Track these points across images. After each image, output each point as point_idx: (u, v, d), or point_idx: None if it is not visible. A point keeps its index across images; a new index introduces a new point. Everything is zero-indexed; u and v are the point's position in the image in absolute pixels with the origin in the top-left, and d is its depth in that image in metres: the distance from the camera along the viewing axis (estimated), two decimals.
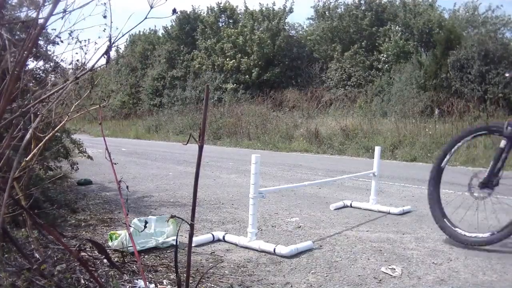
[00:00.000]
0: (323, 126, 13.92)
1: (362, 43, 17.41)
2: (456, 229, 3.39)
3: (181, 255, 2.76)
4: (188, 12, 22.53)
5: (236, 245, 3.26)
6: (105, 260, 2.45)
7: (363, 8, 17.92)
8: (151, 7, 1.40)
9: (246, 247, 3.20)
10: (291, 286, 2.51)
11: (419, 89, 14.06)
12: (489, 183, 3.37)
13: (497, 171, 3.36)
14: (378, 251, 3.18)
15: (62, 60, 3.54)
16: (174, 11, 1.52)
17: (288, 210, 4.57)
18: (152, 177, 6.77)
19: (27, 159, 1.99)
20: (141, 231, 2.74)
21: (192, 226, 1.70)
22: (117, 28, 1.50)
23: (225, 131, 16.11)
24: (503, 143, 3.30)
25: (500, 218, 4.37)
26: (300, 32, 21.41)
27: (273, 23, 18.98)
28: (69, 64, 2.97)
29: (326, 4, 19.20)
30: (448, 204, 5.04)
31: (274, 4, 20.31)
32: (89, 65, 1.67)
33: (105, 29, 1.48)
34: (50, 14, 1.25)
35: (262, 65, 18.89)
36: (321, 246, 3.29)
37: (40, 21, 1.33)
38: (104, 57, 1.49)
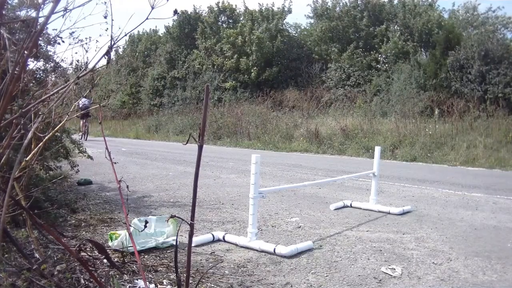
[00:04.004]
0: (323, 126, 13.91)
1: (360, 43, 17.43)
2: None
3: (181, 255, 2.77)
4: (189, 12, 22.53)
5: (236, 245, 3.26)
6: (105, 260, 2.45)
7: (359, 8, 17.90)
8: (152, 8, 1.39)
9: (246, 247, 3.20)
10: (291, 286, 2.51)
11: (419, 89, 14.06)
12: None
13: None
14: (378, 251, 3.18)
15: (62, 60, 3.53)
16: (175, 12, 1.52)
17: (288, 210, 4.57)
18: (152, 177, 6.77)
19: (27, 159, 1.99)
20: (141, 231, 2.74)
21: (192, 226, 1.70)
22: (119, 28, 1.50)
23: (225, 131, 16.11)
24: None
25: (499, 218, 4.37)
26: (299, 31, 21.39)
27: (271, 24, 18.97)
28: (70, 64, 2.97)
29: (325, 4, 19.18)
30: (447, 203, 5.05)
31: (273, 4, 20.31)
32: (90, 65, 1.67)
33: (107, 28, 1.47)
34: (51, 12, 1.25)
35: (261, 65, 18.90)
36: (321, 246, 3.29)
37: (40, 20, 1.33)
38: (105, 57, 1.49)
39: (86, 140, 14.20)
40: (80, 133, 14.46)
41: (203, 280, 2.48)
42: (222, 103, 18.88)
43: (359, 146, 11.70)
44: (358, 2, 18.10)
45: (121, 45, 24.73)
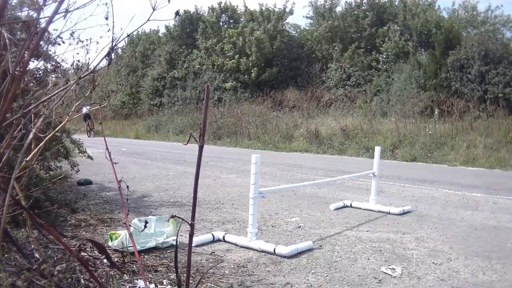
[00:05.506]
0: (323, 126, 13.92)
1: (361, 43, 17.44)
2: None
3: (181, 255, 2.77)
4: (191, 12, 22.53)
5: (236, 245, 3.26)
6: (105, 260, 2.45)
7: (364, 7, 17.91)
8: (154, 9, 1.39)
9: (246, 247, 3.20)
10: (291, 286, 2.51)
11: (419, 89, 14.06)
12: None
13: None
14: (378, 251, 3.18)
15: (63, 60, 3.53)
16: (177, 13, 1.51)
17: (288, 210, 4.57)
18: (152, 177, 6.77)
19: (27, 159, 1.99)
20: (141, 231, 2.74)
21: (192, 226, 1.70)
22: (121, 29, 1.50)
23: (225, 131, 16.12)
24: None
25: (499, 218, 4.37)
26: (299, 31, 21.38)
27: (270, 25, 18.98)
28: (71, 65, 2.97)
29: (327, 4, 19.18)
30: (447, 203, 5.05)
31: (275, 6, 20.30)
32: (91, 66, 1.67)
33: (109, 29, 1.47)
34: (55, 13, 1.25)
35: (262, 65, 18.90)
36: (321, 246, 3.30)
37: (41, 20, 1.33)
38: (106, 59, 1.49)
39: (89, 136, 17.76)
40: (89, 129, 18.56)
41: (203, 280, 2.48)
42: (222, 103, 18.88)
43: (359, 146, 11.70)
44: (363, 1, 18.11)
45: (120, 46, 24.72)
